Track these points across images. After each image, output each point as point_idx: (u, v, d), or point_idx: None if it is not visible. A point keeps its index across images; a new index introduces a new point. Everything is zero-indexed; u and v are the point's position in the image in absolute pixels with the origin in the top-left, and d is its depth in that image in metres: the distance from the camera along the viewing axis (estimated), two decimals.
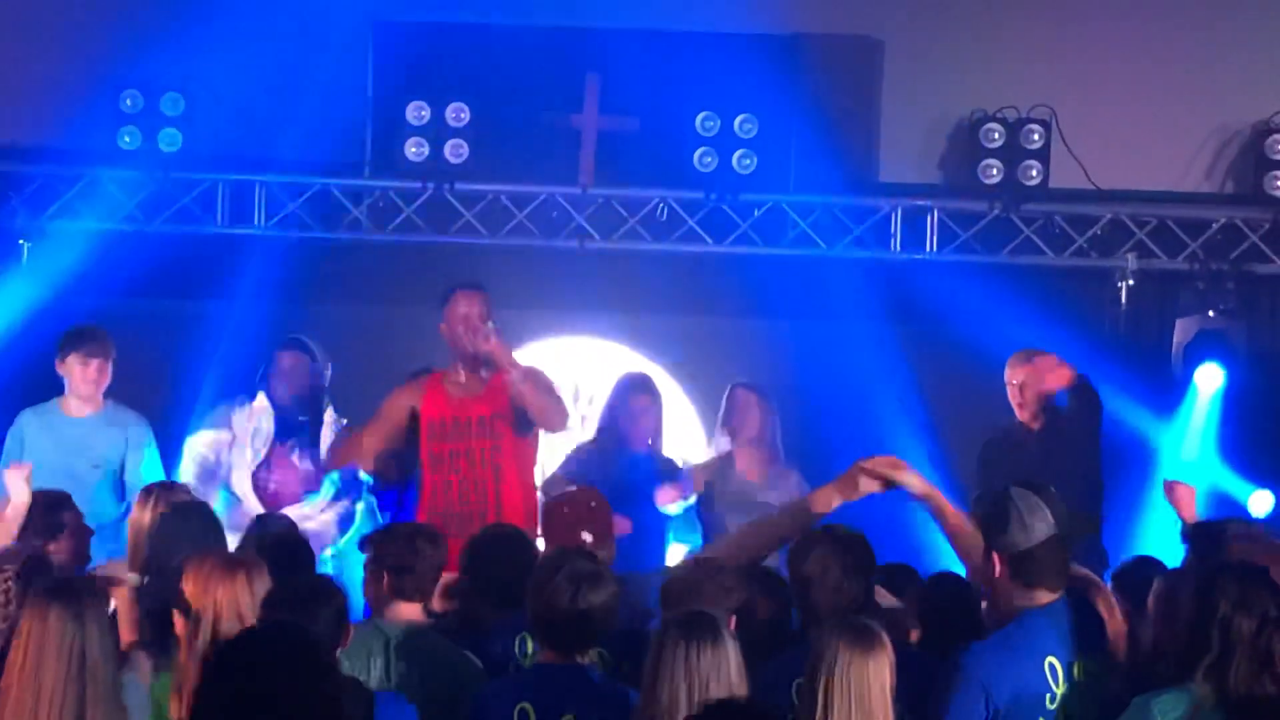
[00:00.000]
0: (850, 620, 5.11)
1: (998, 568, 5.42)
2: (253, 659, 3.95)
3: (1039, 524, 5.37)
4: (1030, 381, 8.97)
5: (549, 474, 8.93)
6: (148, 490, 7.35)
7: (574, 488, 7.67)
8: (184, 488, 7.63)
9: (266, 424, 8.99)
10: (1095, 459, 9.08)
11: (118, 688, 5.32)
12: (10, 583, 6.52)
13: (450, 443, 8.27)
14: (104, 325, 9.08)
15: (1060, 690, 5.31)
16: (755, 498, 8.82)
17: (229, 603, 5.57)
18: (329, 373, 9.11)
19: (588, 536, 6.77)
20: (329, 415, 9.07)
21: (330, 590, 5.49)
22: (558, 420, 8.30)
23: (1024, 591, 5.40)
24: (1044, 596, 5.39)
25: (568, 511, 6.93)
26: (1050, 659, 5.31)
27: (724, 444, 9.19)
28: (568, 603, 5.49)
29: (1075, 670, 5.35)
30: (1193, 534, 7.11)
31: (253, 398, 9.05)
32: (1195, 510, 7.53)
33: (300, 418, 9.01)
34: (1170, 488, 7.70)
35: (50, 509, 7.40)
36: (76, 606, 5.28)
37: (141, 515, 7.13)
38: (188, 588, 5.66)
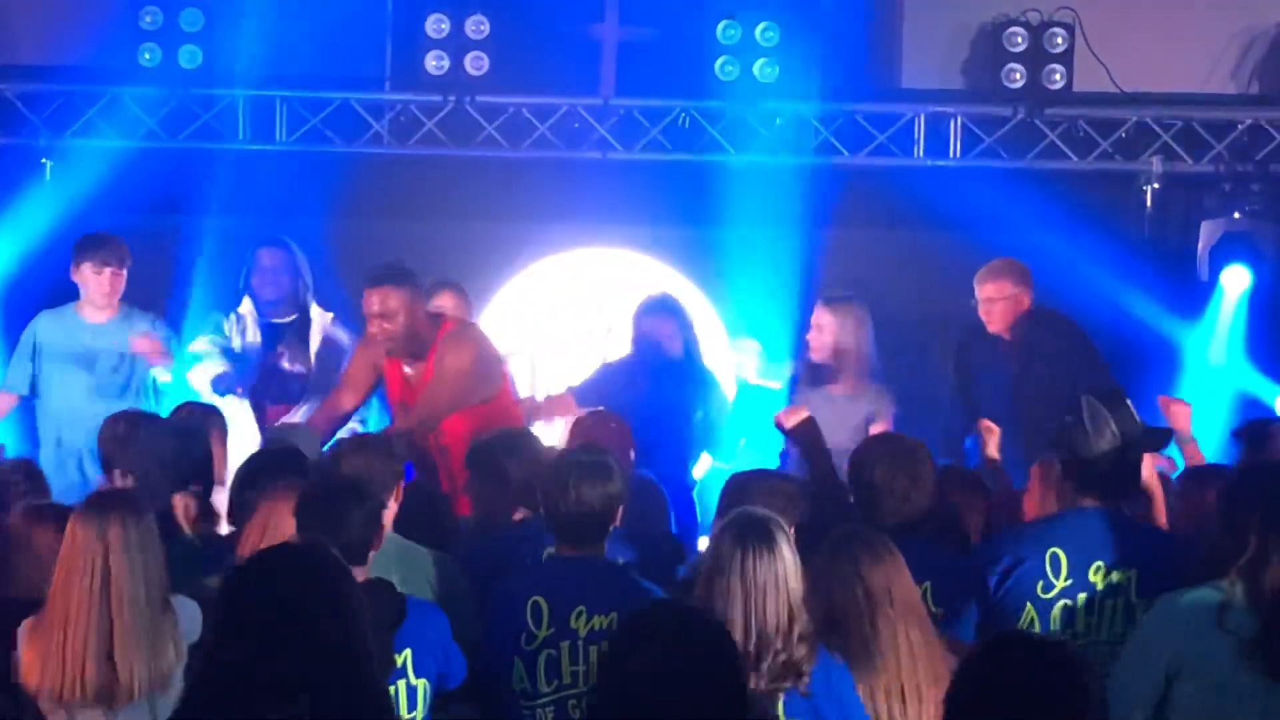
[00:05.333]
0: (746, 514, 5.12)
1: (1059, 469, 5.71)
2: (271, 574, 3.98)
3: (1101, 438, 5.53)
4: (998, 299, 8.98)
5: (582, 382, 8.95)
6: (177, 410, 7.39)
7: (599, 409, 7.65)
8: (218, 413, 7.63)
9: (252, 332, 8.99)
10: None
11: (158, 609, 5.31)
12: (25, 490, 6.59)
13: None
14: (126, 242, 9.12)
15: (1061, 583, 5.48)
16: (830, 411, 8.74)
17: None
18: (308, 274, 9.13)
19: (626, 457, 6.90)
20: (315, 312, 9.08)
21: (362, 491, 5.50)
22: (479, 396, 8.11)
23: (1074, 494, 5.63)
24: (1088, 502, 5.58)
25: (614, 428, 7.00)
26: (1054, 550, 5.49)
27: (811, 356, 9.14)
28: (570, 497, 5.57)
29: (1093, 572, 5.48)
30: (1243, 432, 7.16)
31: (238, 304, 9.06)
32: (1190, 426, 7.50)
33: (286, 319, 9.00)
34: (1165, 404, 7.70)
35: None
36: (103, 524, 5.29)
37: None
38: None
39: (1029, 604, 5.48)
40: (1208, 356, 10.19)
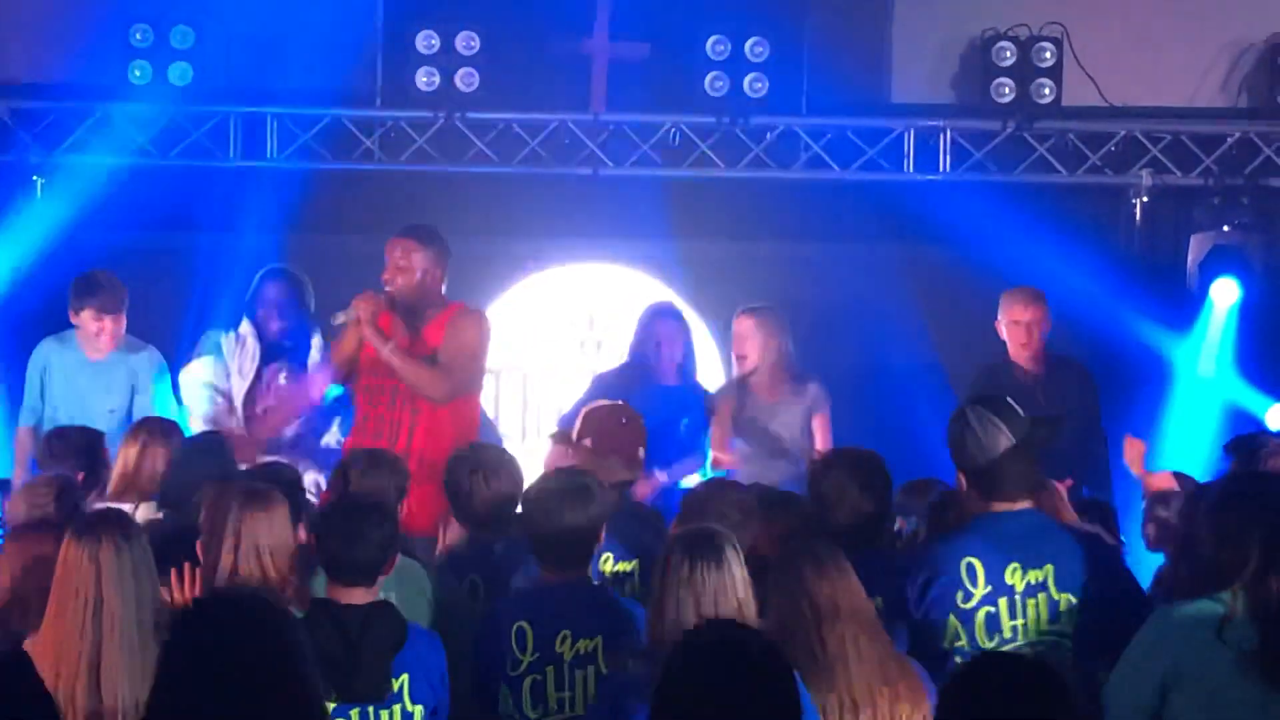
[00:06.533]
0: (696, 529, 5.19)
1: (961, 480, 5.71)
2: (212, 624, 3.96)
3: (995, 440, 5.58)
4: (1042, 322, 9.01)
5: (575, 402, 8.95)
6: (136, 427, 7.37)
7: (617, 402, 7.49)
8: (175, 427, 7.63)
9: (252, 344, 8.97)
10: (1100, 434, 9.13)
11: (149, 634, 5.21)
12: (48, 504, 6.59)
13: (378, 378, 8.12)
14: (118, 260, 9.17)
15: (980, 590, 5.52)
16: (770, 419, 8.83)
17: (247, 534, 5.61)
18: (312, 304, 9.11)
19: (641, 453, 6.85)
20: (317, 341, 9.03)
21: (382, 514, 5.50)
22: (430, 394, 8.03)
23: (980, 502, 5.66)
24: (999, 506, 5.63)
25: (626, 424, 6.94)
26: (969, 559, 5.54)
27: (737, 369, 9.20)
28: (552, 521, 5.58)
29: (1010, 574, 5.53)
30: (1235, 446, 7.18)
31: (237, 325, 9.04)
32: (1141, 462, 7.53)
33: (287, 343, 8.97)
34: (1127, 443, 7.72)
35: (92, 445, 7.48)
36: (94, 546, 5.23)
37: (129, 452, 7.13)
38: (204, 517, 5.73)
39: (951, 616, 5.50)
40: (1198, 369, 10.20)
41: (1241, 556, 4.88)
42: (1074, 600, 5.53)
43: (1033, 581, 5.53)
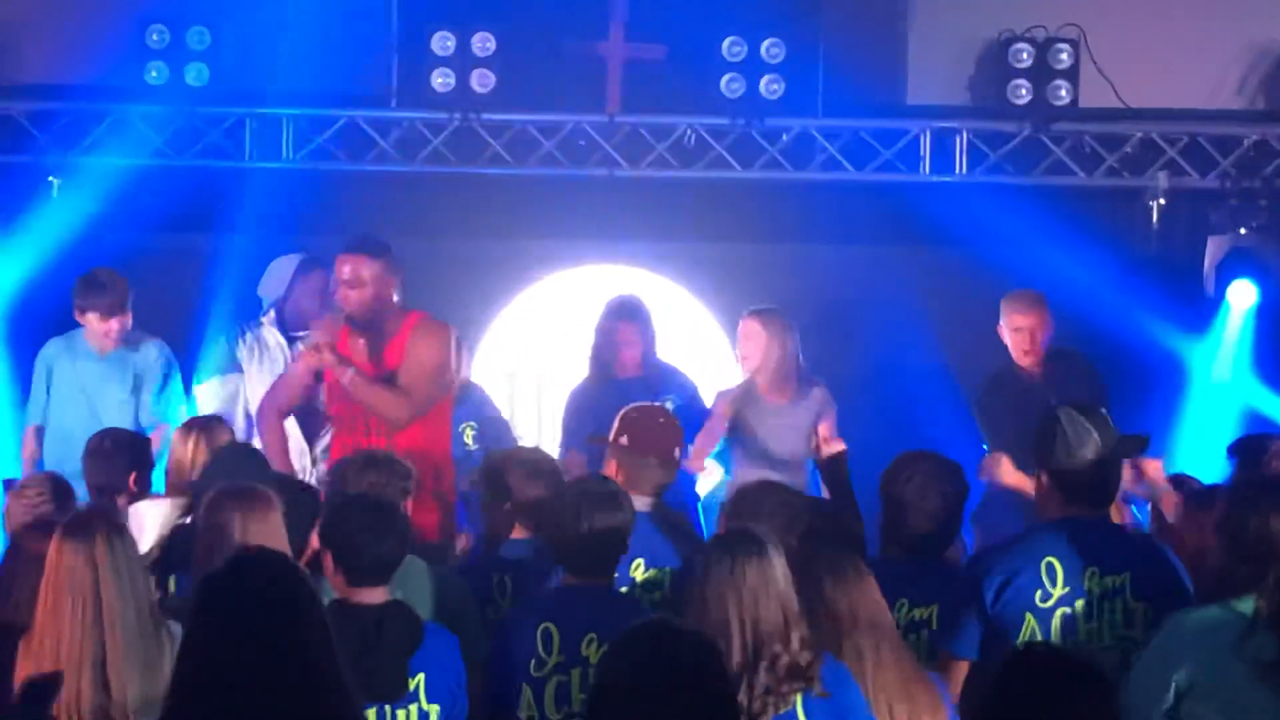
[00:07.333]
0: (738, 529, 5.22)
1: (1043, 481, 5.66)
2: (237, 586, 4.03)
3: (1084, 448, 5.56)
4: (1044, 326, 8.96)
5: (561, 424, 8.99)
6: (188, 425, 7.41)
7: (655, 403, 7.46)
8: (224, 424, 7.66)
9: (274, 344, 8.94)
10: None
11: (149, 628, 5.24)
12: (43, 504, 6.59)
13: (346, 404, 7.93)
14: (133, 260, 9.21)
15: (1059, 591, 5.51)
16: (776, 422, 8.80)
17: (240, 534, 5.62)
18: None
19: (678, 453, 6.86)
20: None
21: (396, 514, 5.55)
22: (391, 417, 7.84)
23: (1060, 505, 5.62)
24: (1077, 511, 5.60)
25: (663, 424, 6.91)
26: (1049, 559, 5.52)
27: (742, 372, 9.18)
28: (580, 527, 5.58)
29: (1088, 578, 5.52)
30: (1238, 449, 7.17)
31: (261, 315, 8.98)
32: (1162, 478, 7.49)
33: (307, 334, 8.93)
34: (1140, 466, 7.69)
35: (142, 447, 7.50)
36: (88, 545, 5.21)
37: (184, 451, 7.17)
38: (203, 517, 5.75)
39: (1029, 615, 5.49)
40: (1214, 372, 10.19)
41: (1258, 568, 4.88)
42: (1150, 608, 5.51)
43: (1110, 587, 5.53)
